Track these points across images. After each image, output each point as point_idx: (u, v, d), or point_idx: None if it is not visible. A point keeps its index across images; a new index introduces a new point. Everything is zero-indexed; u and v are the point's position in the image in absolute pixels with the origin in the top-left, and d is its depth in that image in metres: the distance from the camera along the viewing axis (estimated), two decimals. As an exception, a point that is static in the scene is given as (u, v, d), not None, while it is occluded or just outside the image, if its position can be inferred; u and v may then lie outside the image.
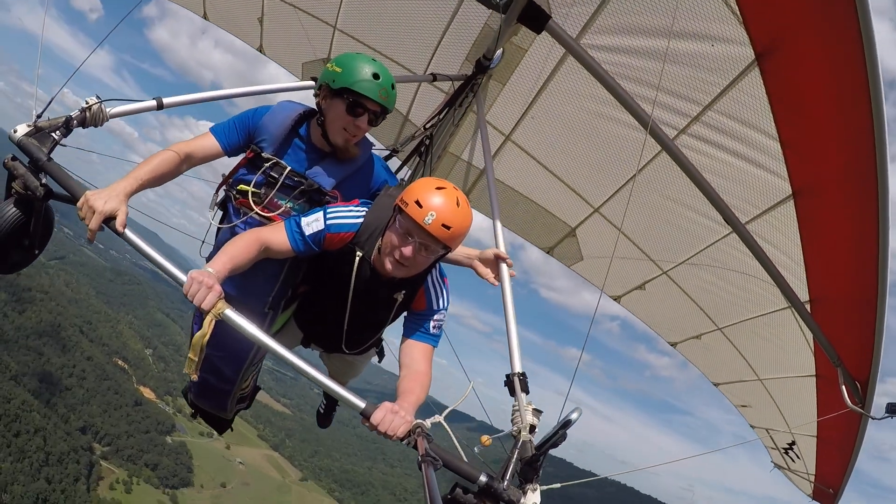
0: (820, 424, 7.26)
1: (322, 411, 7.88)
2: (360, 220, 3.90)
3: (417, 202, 3.51)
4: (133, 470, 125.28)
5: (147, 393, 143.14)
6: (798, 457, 8.30)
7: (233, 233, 4.09)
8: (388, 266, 3.67)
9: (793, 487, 8.88)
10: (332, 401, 7.70)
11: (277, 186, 4.04)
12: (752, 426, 9.18)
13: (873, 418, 6.08)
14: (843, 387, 6.04)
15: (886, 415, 5.89)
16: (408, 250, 3.57)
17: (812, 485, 8.31)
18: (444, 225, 3.49)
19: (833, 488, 7.93)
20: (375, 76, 3.85)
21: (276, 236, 3.81)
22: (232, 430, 5.67)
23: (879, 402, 6.02)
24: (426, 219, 3.47)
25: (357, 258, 3.85)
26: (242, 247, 3.60)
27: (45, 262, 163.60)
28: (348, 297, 3.98)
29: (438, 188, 3.59)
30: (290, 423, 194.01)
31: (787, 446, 8.37)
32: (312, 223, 3.83)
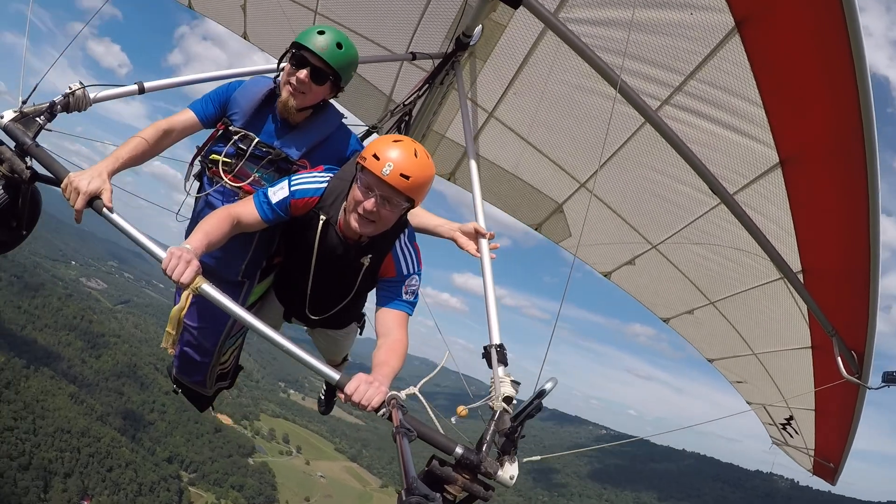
0: (817, 397, 7.22)
1: (323, 397, 7.92)
2: (325, 185, 3.99)
3: (375, 155, 3.60)
4: (220, 493, 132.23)
5: (225, 419, 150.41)
6: (796, 432, 8.26)
7: (206, 202, 4.27)
8: (354, 223, 3.73)
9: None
10: (332, 388, 7.72)
11: (246, 156, 4.17)
12: (748, 402, 9.13)
13: (870, 388, 6.03)
14: (839, 357, 5.99)
15: (883, 384, 5.85)
16: (369, 203, 3.64)
17: (812, 459, 8.28)
18: (402, 174, 3.58)
19: (833, 462, 7.89)
20: (321, 33, 4.05)
21: (246, 209, 3.90)
22: (213, 409, 5.86)
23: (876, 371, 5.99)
24: (384, 170, 3.56)
25: (320, 222, 3.92)
26: (215, 223, 3.69)
27: (112, 308, 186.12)
28: (311, 263, 4.07)
29: (395, 141, 3.70)
30: (365, 434, 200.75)
31: (785, 421, 8.33)
32: (278, 191, 3.93)
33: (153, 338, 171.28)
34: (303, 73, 4.03)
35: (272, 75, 4.71)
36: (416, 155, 3.65)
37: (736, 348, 8.16)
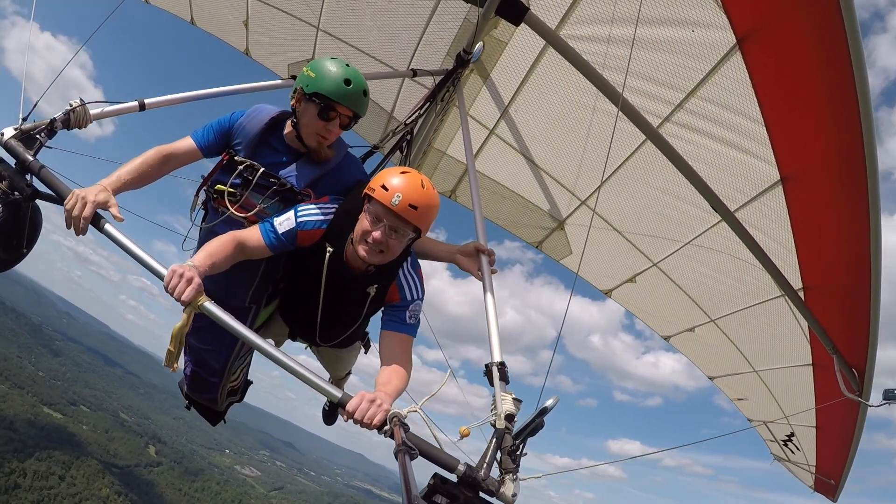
0: (818, 414, 7.21)
1: (327, 409, 7.88)
2: (331, 216, 3.99)
3: (383, 186, 3.64)
4: None
5: None
6: (798, 448, 8.24)
7: (212, 232, 4.16)
8: (363, 253, 3.72)
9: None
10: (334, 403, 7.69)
11: (251, 187, 4.13)
12: (749, 420, 9.12)
13: (871, 406, 6.00)
14: (840, 375, 5.95)
15: (884, 401, 5.81)
16: (378, 234, 3.65)
17: (813, 476, 8.25)
18: (410, 205, 3.62)
19: (834, 479, 7.87)
20: (347, 82, 3.99)
21: (251, 235, 3.90)
22: (225, 422, 5.75)
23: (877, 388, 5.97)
24: (393, 200, 3.59)
25: (328, 253, 3.91)
26: (220, 246, 3.66)
27: (266, 494, 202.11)
28: (320, 293, 4.06)
29: (403, 172, 3.73)
30: None
31: (786, 438, 8.31)
32: (284, 222, 3.93)
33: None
34: (335, 126, 4.09)
35: (276, 83, 4.69)
36: (423, 186, 3.69)
37: (737, 366, 8.16)
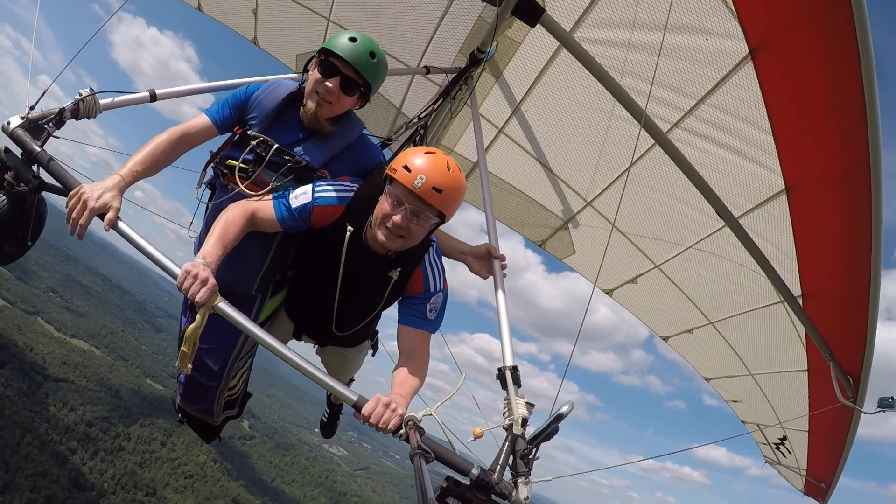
0: (811, 419, 7.24)
1: (325, 420, 7.76)
2: (351, 194, 3.82)
3: (406, 167, 3.46)
4: None
5: None
6: (789, 452, 8.29)
7: (220, 210, 3.90)
8: (382, 238, 3.58)
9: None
10: (334, 410, 7.61)
11: (264, 163, 3.93)
12: (742, 421, 9.19)
13: (865, 413, 6.04)
14: (836, 381, 6.00)
15: (879, 409, 5.86)
16: (399, 218, 3.50)
17: (804, 479, 8.30)
18: (434, 188, 3.44)
19: (825, 483, 7.91)
20: (353, 39, 3.81)
21: (263, 206, 3.75)
22: (220, 439, 5.52)
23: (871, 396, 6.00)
24: (415, 182, 3.42)
25: (348, 233, 3.73)
26: (230, 220, 3.54)
27: (352, 472, 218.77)
28: (338, 276, 3.87)
29: (427, 153, 3.54)
30: None
31: (779, 441, 8.37)
32: (300, 196, 3.76)
33: (390, 502, 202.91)
34: (332, 83, 3.80)
35: (292, 76, 4.56)
36: (448, 168, 3.50)
37: (733, 368, 8.21)
